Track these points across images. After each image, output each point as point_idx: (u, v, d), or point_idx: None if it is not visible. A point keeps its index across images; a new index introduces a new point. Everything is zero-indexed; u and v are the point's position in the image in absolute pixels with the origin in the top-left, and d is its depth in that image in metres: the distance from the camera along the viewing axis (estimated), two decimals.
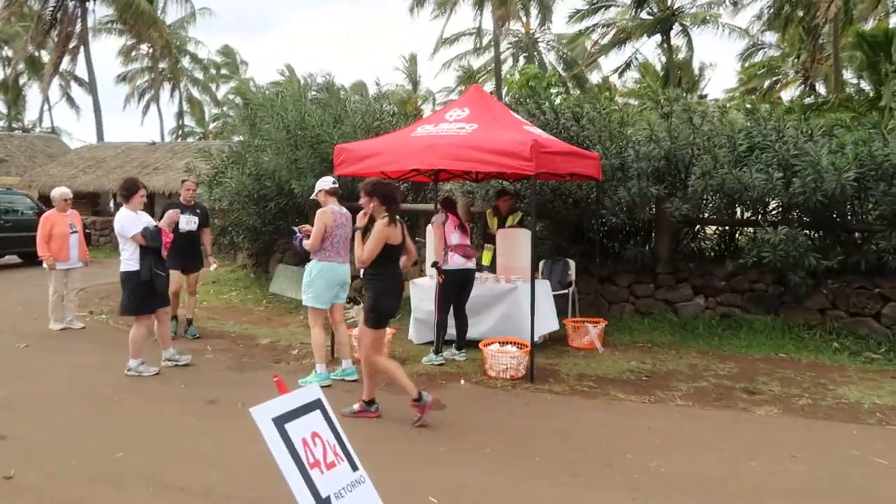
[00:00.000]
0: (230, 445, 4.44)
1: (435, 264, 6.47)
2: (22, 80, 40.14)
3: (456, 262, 6.51)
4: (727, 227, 8.89)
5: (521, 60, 35.29)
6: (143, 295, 6.00)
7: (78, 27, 28.75)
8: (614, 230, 8.64)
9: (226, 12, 74.32)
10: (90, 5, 28.57)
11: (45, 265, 8.14)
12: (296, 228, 6.20)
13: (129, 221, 6.03)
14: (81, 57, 30.02)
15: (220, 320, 8.77)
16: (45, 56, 34.36)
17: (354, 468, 3.08)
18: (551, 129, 8.09)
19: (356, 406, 5.03)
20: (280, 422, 2.96)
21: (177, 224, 6.79)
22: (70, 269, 8.25)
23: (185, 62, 44.65)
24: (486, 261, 7.64)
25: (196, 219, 7.52)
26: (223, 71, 48.51)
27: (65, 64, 33.33)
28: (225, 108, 47.16)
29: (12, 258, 15.40)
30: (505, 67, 34.62)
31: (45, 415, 5.06)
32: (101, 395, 5.58)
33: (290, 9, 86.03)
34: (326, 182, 6.03)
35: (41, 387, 5.81)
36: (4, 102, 41.27)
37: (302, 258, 10.99)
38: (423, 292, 7.26)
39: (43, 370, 6.41)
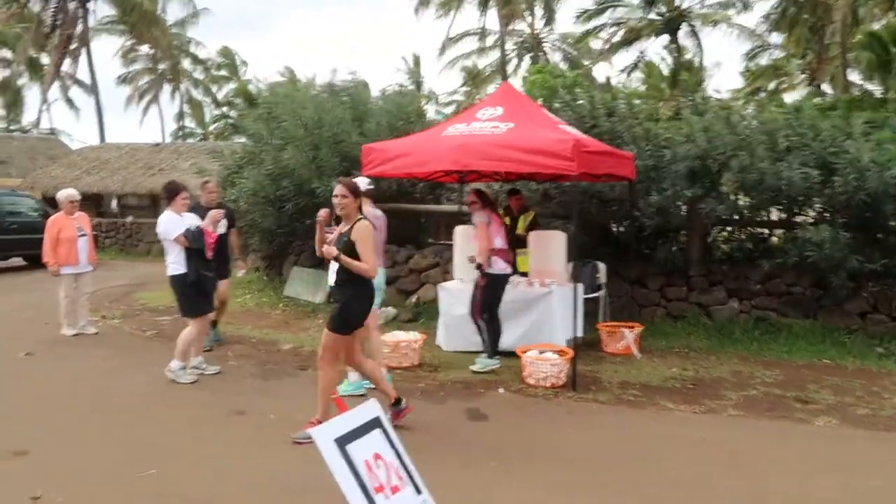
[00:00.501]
0: (262, 458, 4.17)
1: (479, 266, 6.15)
2: (21, 82, 39.84)
3: (500, 267, 6.24)
4: (762, 229, 8.64)
5: (527, 60, 35.15)
6: (191, 299, 5.86)
7: (79, 28, 28.48)
8: (645, 231, 8.38)
9: (223, 12, 73.94)
10: (91, 6, 28.29)
11: (49, 271, 7.87)
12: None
13: (172, 224, 5.84)
14: (82, 58, 29.81)
15: (237, 324, 8.50)
16: (45, 57, 34.05)
17: (419, 491, 2.86)
18: (584, 126, 7.82)
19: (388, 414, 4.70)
20: (342, 443, 2.73)
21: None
22: (80, 274, 7.97)
23: (186, 64, 44.37)
24: (523, 266, 7.31)
25: (224, 221, 7.21)
26: (223, 72, 48.21)
27: (66, 66, 33.14)
28: (225, 109, 46.87)
29: (17, 261, 15.11)
30: (509, 68, 34.51)
31: (67, 427, 4.79)
32: (122, 405, 5.31)
33: (288, 8, 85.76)
34: (362, 183, 5.77)
35: (60, 397, 5.54)
36: (3, 104, 40.89)
37: (318, 261, 10.76)
38: (452, 296, 7.01)
39: (60, 378, 6.14)
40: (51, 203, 19.58)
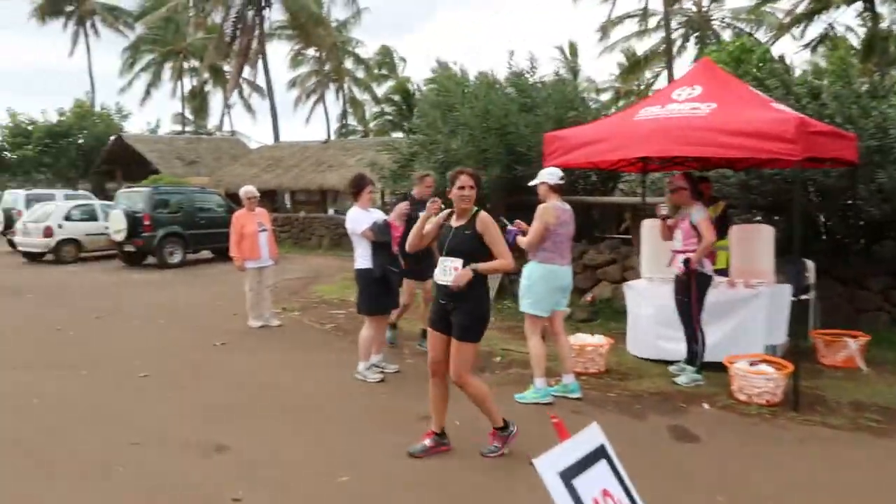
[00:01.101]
0: (457, 470, 3.91)
1: (689, 266, 5.48)
2: (206, 88, 43.69)
3: (708, 267, 5.57)
4: None
5: (692, 41, 32.96)
6: (376, 294, 5.77)
7: (256, 34, 30.53)
8: (864, 224, 7.25)
9: (378, 11, 76.34)
10: (266, 13, 30.20)
11: (235, 265, 8.24)
12: (507, 222, 5.62)
13: (359, 218, 5.80)
14: (258, 63, 31.98)
15: (409, 319, 8.43)
16: (227, 65, 36.93)
17: None
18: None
19: (496, 444, 4.17)
20: (567, 477, 2.33)
21: (409, 221, 6.25)
22: (262, 268, 8.28)
23: (348, 63, 46.36)
24: (722, 263, 6.54)
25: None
26: (383, 70, 49.87)
27: (244, 72, 35.81)
28: (384, 107, 48.50)
29: (206, 253, 16.35)
30: (673, 50, 32.43)
31: (262, 424, 4.84)
32: (312, 403, 5.32)
33: (438, 4, 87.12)
34: (553, 175, 5.36)
35: (253, 391, 5.68)
36: (192, 110, 45.10)
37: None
38: (640, 296, 6.43)
39: (252, 371, 6.34)
40: (234, 199, 21.13)
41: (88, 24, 40.49)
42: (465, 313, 3.95)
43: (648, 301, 6.32)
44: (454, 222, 4.10)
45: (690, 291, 5.52)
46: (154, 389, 5.74)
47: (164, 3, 36.78)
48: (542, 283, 5.25)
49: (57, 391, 5.68)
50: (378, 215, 5.90)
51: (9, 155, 29.45)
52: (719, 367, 5.44)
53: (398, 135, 38.19)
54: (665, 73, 32.63)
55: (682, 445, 4.34)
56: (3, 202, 19.75)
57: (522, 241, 5.34)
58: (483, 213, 4.04)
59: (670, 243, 5.82)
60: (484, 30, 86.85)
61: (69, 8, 39.64)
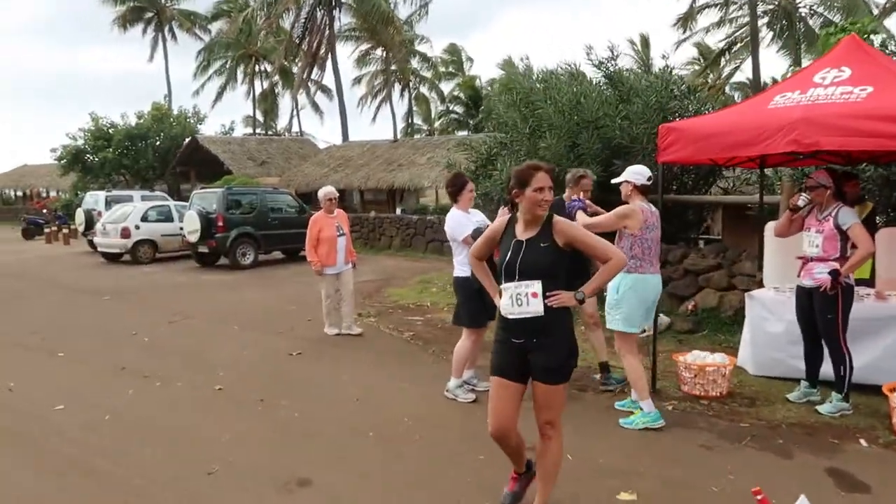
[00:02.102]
0: None
1: (835, 274, 4.64)
2: (277, 90, 44.28)
3: (850, 277, 4.77)
4: None
5: (776, 30, 31.13)
6: (475, 306, 5.15)
7: (326, 35, 30.53)
8: None
9: (444, 8, 76.12)
10: (336, 13, 30.14)
11: (312, 269, 7.81)
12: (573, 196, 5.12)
13: (460, 223, 5.23)
14: (327, 63, 31.98)
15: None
16: (295, 66, 37.25)
17: None
18: None
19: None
20: None
21: None
22: (340, 273, 7.82)
23: (414, 62, 46.15)
24: (864, 272, 5.67)
25: None
26: (450, 69, 49.46)
27: (313, 74, 36.02)
28: (449, 105, 48.09)
29: (277, 254, 16.19)
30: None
31: (347, 452, 4.33)
32: (400, 428, 4.78)
33: (503, 2, 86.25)
34: (640, 175, 4.74)
35: (334, 411, 5.18)
36: (262, 112, 45.79)
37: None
38: (765, 309, 5.63)
39: (329, 385, 5.86)
40: (303, 198, 21.03)
41: (167, 28, 41.67)
42: (552, 351, 3.08)
43: (776, 315, 5.52)
44: (521, 234, 3.18)
45: (836, 307, 4.71)
46: (229, 405, 5.34)
47: (237, 7, 37.49)
48: (633, 295, 4.68)
49: (130, 406, 5.34)
50: (479, 218, 5.33)
51: (91, 157, 30.39)
52: (866, 391, 4.64)
53: (463, 133, 37.81)
54: (748, 64, 31.12)
55: (852, 498, 3.57)
56: (85, 203, 20.23)
57: (585, 219, 4.78)
58: (558, 218, 3.17)
59: (795, 249, 5.05)
60: (551, 28, 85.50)
61: (149, 14, 40.91)
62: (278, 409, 5.19)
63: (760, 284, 6.46)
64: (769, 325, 5.58)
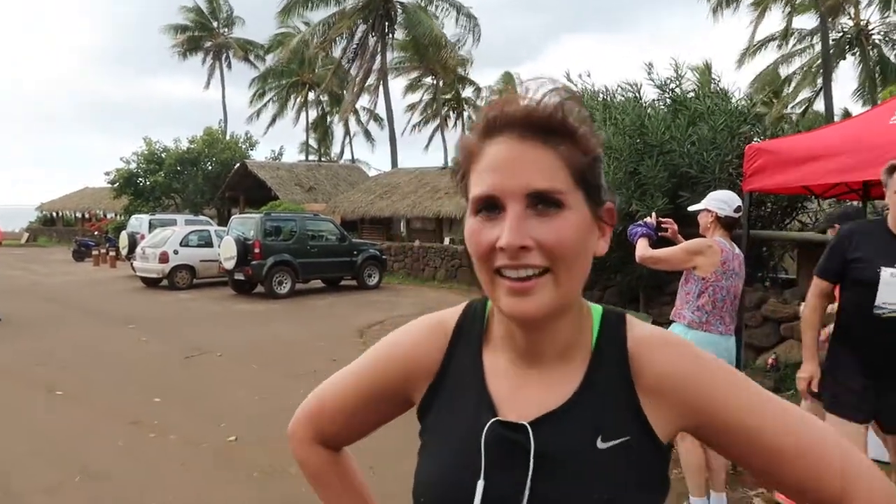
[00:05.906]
0: None
1: None
2: (328, 118, 44.53)
3: None
4: None
5: (848, 58, 29.56)
6: None
7: (377, 63, 30.38)
8: None
9: (497, 37, 76.11)
10: (388, 38, 29.97)
11: None
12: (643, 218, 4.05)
13: None
14: (378, 89, 31.83)
15: None
16: (347, 93, 37.32)
17: None
18: None
19: None
20: None
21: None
22: None
23: (468, 92, 45.88)
24: None
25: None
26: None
27: (364, 101, 36.00)
28: None
29: (317, 283, 15.58)
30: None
31: None
32: None
33: (557, 31, 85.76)
34: (726, 204, 3.67)
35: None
36: (315, 139, 46.07)
37: (632, 296, 8.77)
38: None
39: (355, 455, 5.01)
40: (349, 225, 20.45)
41: (223, 57, 42.49)
42: None
43: None
44: None
45: None
46: (238, 470, 4.53)
47: (292, 36, 37.91)
48: None
49: (111, 463, 4.59)
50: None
51: (142, 181, 30.76)
52: None
53: None
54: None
55: None
56: (130, 226, 20.14)
57: (647, 249, 3.72)
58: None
59: None
60: (608, 56, 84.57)
61: (207, 44, 41.81)
62: (284, 479, 4.35)
63: None
64: None
